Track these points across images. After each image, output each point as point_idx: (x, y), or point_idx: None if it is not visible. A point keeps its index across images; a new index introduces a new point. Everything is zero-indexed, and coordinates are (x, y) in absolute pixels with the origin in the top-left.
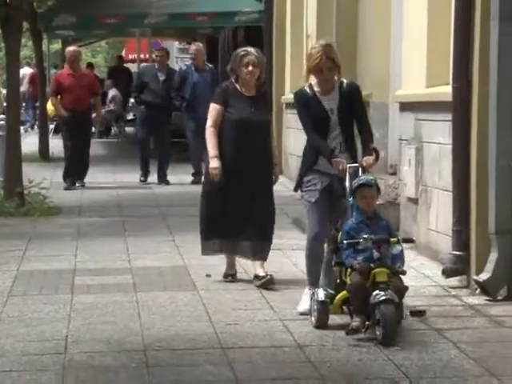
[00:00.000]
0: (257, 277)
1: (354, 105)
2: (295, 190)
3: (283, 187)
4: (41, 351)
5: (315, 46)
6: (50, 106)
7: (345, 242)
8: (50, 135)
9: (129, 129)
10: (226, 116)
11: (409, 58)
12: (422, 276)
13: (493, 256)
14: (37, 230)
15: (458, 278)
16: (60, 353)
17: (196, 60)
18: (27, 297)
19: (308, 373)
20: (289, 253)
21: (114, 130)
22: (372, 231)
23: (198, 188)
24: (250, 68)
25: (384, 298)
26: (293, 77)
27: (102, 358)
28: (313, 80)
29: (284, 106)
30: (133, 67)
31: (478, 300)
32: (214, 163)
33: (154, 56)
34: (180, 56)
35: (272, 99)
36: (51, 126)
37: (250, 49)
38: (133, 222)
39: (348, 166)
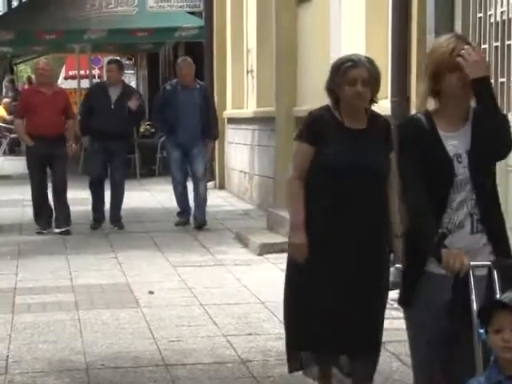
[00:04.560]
0: None
1: (497, 149)
2: (402, 303)
3: (224, 201)
4: None
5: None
6: None
7: None
8: None
9: None
10: (318, 160)
11: None
12: None
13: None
14: None
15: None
16: (0, 373)
17: (185, 76)
18: None
19: None
20: (232, 268)
21: None
22: None
23: (142, 203)
24: (359, 88)
25: None
26: (234, 91)
27: (43, 378)
28: (431, 105)
29: (226, 120)
30: (73, 83)
31: None
32: (298, 237)
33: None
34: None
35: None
36: None
37: (360, 57)
38: (74, 240)
39: (472, 263)
